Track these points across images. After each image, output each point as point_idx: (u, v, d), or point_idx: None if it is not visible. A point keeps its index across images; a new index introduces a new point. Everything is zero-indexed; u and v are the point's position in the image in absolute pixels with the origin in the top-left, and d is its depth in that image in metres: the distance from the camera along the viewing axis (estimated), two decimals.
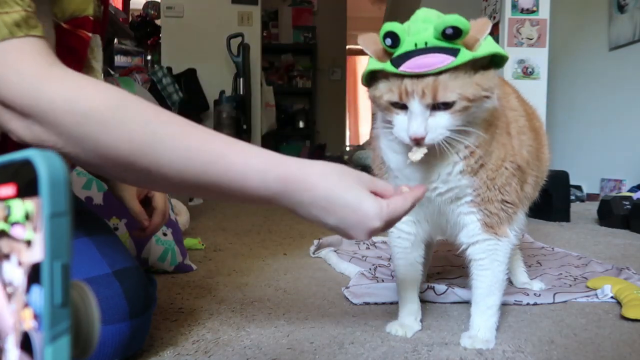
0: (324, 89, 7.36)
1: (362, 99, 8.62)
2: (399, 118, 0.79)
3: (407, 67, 0.74)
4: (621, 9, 3.37)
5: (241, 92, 4.55)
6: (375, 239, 1.82)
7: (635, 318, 1.00)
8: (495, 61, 0.78)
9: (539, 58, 3.22)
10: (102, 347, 0.73)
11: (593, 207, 2.70)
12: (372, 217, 0.62)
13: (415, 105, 0.76)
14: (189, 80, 4.69)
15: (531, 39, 3.20)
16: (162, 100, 4.17)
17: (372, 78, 0.82)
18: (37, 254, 0.23)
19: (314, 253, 1.66)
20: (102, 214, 1.29)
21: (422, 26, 0.74)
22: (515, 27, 3.19)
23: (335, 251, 1.60)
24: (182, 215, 1.98)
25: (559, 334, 0.94)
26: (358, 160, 3.18)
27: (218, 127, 4.45)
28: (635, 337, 0.93)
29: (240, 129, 4.45)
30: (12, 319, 0.25)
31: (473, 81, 0.75)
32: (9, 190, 0.25)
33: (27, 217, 0.24)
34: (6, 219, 0.25)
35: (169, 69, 4.55)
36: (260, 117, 5.09)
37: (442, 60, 0.73)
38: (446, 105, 0.76)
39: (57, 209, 0.24)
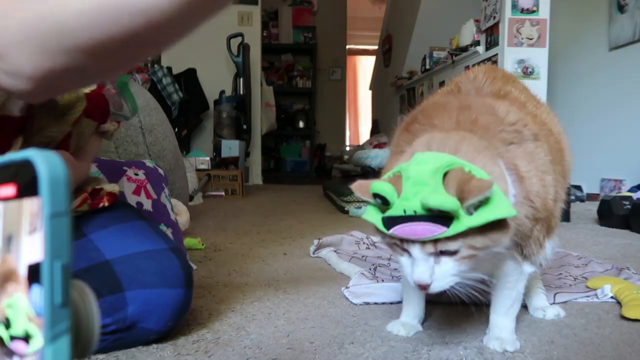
0: (324, 89, 7.36)
1: (362, 99, 8.62)
2: (404, 260, 0.73)
3: (397, 231, 0.69)
4: (621, 9, 3.37)
5: (241, 92, 4.55)
6: (375, 238, 1.82)
7: (635, 318, 1.00)
8: None
9: (539, 58, 3.22)
10: (165, 309, 0.83)
11: (593, 207, 2.70)
12: None
13: (416, 252, 0.70)
14: (189, 80, 4.69)
15: (531, 39, 3.20)
16: (162, 100, 4.17)
17: None
18: (37, 254, 0.24)
19: (314, 253, 1.66)
20: None
21: (412, 190, 0.67)
22: (515, 27, 3.19)
23: (335, 251, 1.60)
24: (182, 215, 1.98)
25: (559, 334, 0.94)
26: (358, 160, 3.18)
27: (218, 127, 4.45)
28: (635, 337, 0.93)
29: (240, 129, 4.45)
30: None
31: (482, 233, 0.68)
32: (9, 190, 0.25)
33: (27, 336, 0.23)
34: (7, 325, 0.24)
35: (169, 69, 4.55)
36: (260, 117, 5.09)
37: (433, 231, 0.67)
38: (451, 252, 0.70)
39: (57, 209, 0.24)
